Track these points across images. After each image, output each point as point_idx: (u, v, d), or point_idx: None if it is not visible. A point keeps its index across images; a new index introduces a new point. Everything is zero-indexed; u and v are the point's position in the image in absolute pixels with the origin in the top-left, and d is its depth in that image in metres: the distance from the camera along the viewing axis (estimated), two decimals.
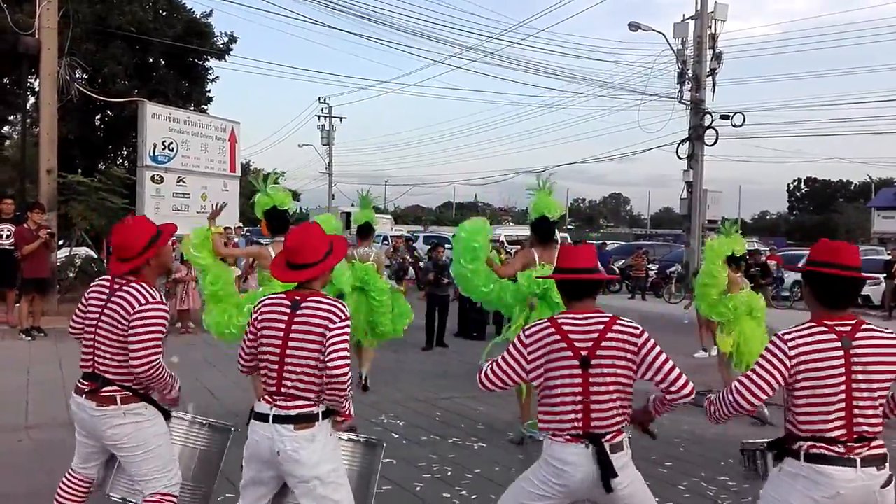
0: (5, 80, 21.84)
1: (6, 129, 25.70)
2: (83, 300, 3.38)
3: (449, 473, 5.27)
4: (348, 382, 2.95)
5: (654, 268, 22.47)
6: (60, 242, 13.76)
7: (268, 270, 5.80)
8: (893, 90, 79.74)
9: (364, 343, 7.83)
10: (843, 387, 2.61)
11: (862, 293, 12.61)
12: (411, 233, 25.37)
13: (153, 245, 3.25)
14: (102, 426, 3.20)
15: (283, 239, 6.14)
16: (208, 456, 3.54)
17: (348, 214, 34.84)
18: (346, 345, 2.95)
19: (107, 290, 3.27)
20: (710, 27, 18.63)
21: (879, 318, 17.93)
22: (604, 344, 2.84)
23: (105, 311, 3.22)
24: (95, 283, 3.39)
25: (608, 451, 2.79)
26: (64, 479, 3.43)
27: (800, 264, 3.15)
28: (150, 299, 3.18)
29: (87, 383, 3.25)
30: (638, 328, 2.90)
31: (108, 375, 3.20)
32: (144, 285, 3.22)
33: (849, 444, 2.60)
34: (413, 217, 57.24)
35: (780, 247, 25.38)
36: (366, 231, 7.90)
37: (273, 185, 6.15)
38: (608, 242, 24.75)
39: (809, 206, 72.96)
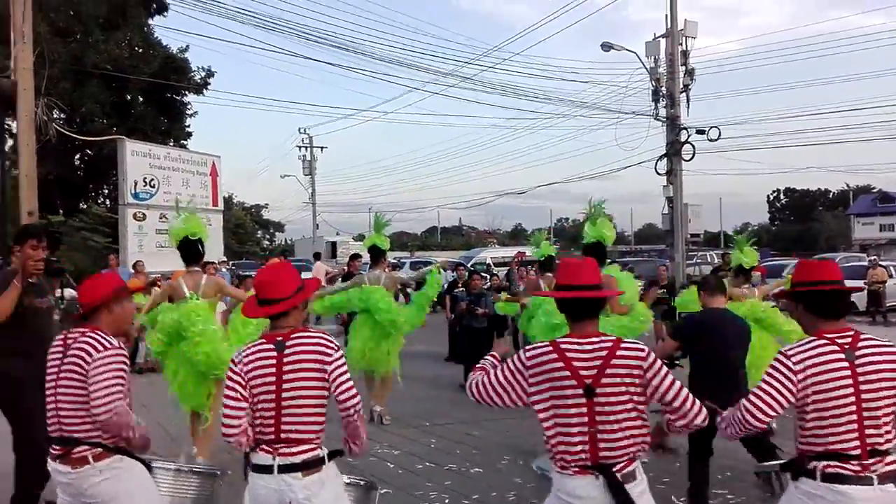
0: None
1: None
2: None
3: (446, 501, 5.21)
4: (360, 407, 2.96)
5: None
6: None
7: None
8: (865, 99, 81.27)
9: (377, 373, 7.67)
10: (853, 398, 2.61)
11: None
12: (398, 259, 25.33)
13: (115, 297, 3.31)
14: (80, 487, 3.20)
15: (197, 269, 5.90)
16: (199, 503, 3.49)
17: (334, 244, 34.84)
18: (348, 373, 2.95)
19: (61, 349, 3.30)
20: (682, 44, 18.91)
21: (864, 323, 18.09)
22: (608, 371, 2.64)
23: (62, 369, 3.24)
24: (52, 346, 3.38)
25: (621, 481, 2.61)
26: None
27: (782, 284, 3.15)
28: (108, 345, 3.21)
29: (57, 448, 3.23)
30: (644, 349, 2.70)
31: (75, 435, 3.19)
32: (101, 333, 3.25)
33: (864, 461, 2.58)
34: (399, 243, 57.17)
35: (763, 257, 25.55)
36: (375, 254, 7.82)
37: (187, 215, 5.84)
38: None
39: (790, 217, 73.51)
